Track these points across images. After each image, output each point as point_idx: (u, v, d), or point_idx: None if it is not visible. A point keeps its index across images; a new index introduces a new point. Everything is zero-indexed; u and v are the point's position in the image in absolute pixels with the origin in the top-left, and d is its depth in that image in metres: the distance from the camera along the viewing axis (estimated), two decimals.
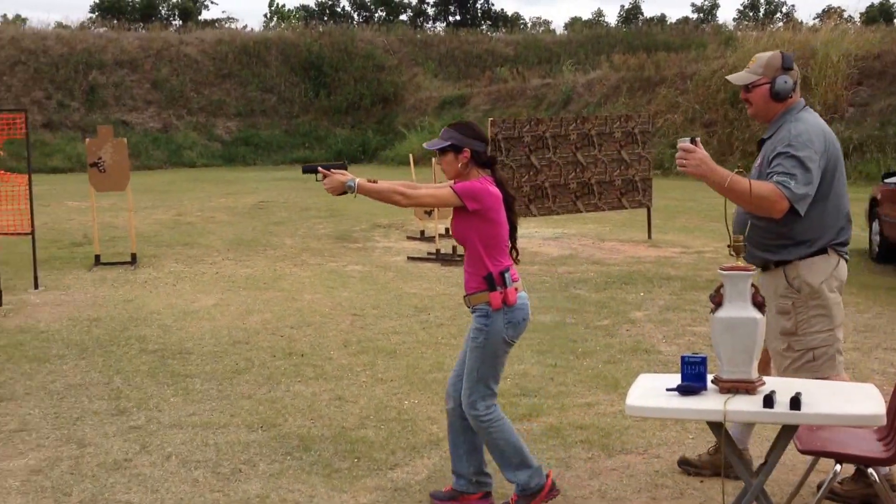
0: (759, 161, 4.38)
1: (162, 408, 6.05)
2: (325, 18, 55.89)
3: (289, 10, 57.38)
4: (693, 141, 4.02)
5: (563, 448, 5.22)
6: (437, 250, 12.64)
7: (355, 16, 58.64)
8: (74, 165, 30.77)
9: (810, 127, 4.21)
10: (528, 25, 63.12)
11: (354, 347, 7.61)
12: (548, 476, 4.35)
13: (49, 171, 29.75)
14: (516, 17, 64.33)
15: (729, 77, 4.58)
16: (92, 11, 54.53)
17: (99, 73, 36.74)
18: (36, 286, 10.31)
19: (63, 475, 4.91)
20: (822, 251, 4.24)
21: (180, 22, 53.66)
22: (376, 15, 58.71)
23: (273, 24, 53.50)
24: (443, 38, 47.06)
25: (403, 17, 58.54)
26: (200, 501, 4.56)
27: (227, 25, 52.34)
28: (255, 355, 7.37)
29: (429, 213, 13.47)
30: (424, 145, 4.61)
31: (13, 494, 4.66)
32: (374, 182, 4.25)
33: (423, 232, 14.62)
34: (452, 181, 4.32)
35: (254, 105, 38.57)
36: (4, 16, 51.38)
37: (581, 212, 13.35)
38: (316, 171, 4.36)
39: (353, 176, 4.21)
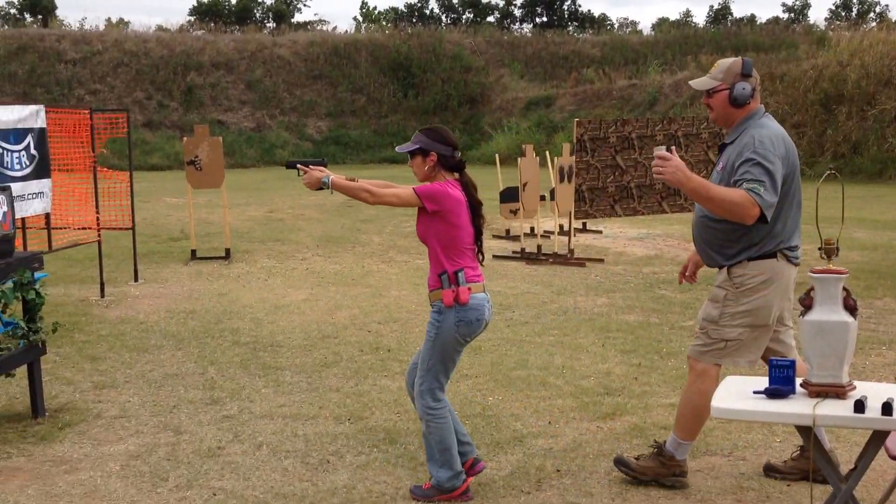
0: (720, 165, 4.46)
1: (253, 398, 6.22)
2: (414, 20, 56.22)
3: (378, 12, 57.95)
4: (669, 149, 4.11)
5: (646, 448, 5.21)
6: (522, 249, 12.67)
7: (443, 17, 58.87)
8: (172, 163, 31.65)
9: (773, 133, 4.29)
10: (615, 26, 62.51)
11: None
12: (465, 482, 4.55)
13: (148, 169, 30.69)
14: (603, 19, 63.74)
15: (691, 82, 4.63)
16: (191, 15, 55.89)
17: (196, 75, 37.70)
18: (136, 279, 10.68)
19: (160, 461, 5.09)
20: (772, 255, 4.35)
21: (274, 24, 54.60)
22: (464, 17, 58.84)
23: (363, 25, 54.10)
24: (529, 39, 46.95)
25: (491, 18, 58.53)
26: (290, 490, 4.68)
27: (318, 27, 53.09)
28: (343, 350, 7.51)
29: (514, 213, 13.51)
30: (397, 148, 4.79)
31: (113, 478, 4.85)
32: (352, 180, 4.50)
33: (508, 231, 14.66)
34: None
35: (344, 105, 39.08)
36: (109, 19, 53.02)
37: (666, 212, 13.20)
38: (297, 167, 4.67)
39: (329, 172, 4.51)
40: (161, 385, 6.53)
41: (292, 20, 57.32)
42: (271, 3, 58.85)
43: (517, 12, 60.28)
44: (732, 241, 4.35)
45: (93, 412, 5.94)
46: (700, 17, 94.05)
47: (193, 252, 12.38)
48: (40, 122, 8.40)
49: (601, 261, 12.22)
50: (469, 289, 4.39)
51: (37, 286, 5.70)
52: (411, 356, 7.23)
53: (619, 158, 12.18)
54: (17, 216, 7.53)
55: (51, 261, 9.93)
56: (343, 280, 10.81)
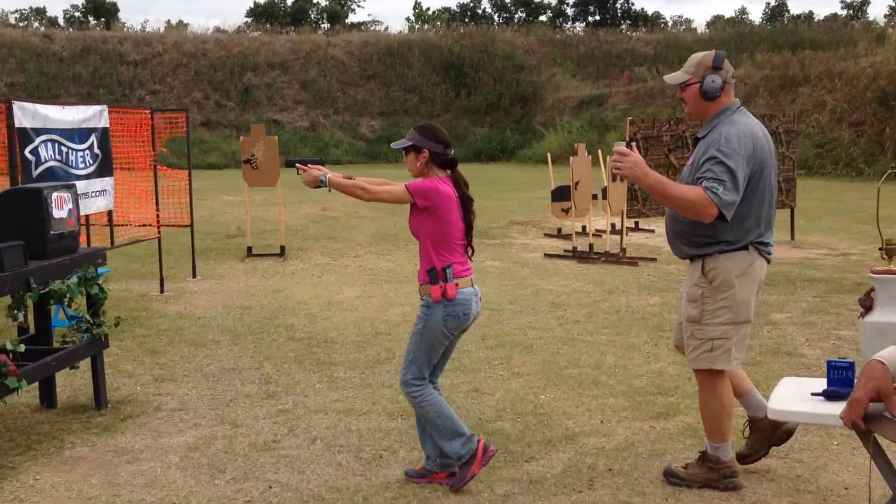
0: (691, 160, 4.47)
1: (308, 393, 6.31)
2: (467, 20, 56.27)
3: (431, 12, 58.06)
4: (629, 145, 4.17)
5: (700, 448, 5.19)
6: (574, 248, 12.65)
7: (496, 17, 58.83)
8: (229, 162, 32.09)
9: (741, 130, 4.27)
10: (669, 24, 61.92)
11: (492, 341, 7.74)
12: (479, 441, 4.63)
13: (206, 167, 31.14)
14: (657, 17, 63.22)
15: (665, 77, 4.62)
16: (247, 16, 56.59)
17: (253, 75, 38.17)
18: (194, 275, 10.87)
19: (217, 453, 5.19)
20: (743, 248, 4.34)
21: (328, 25, 55.03)
22: (516, 16, 58.73)
23: (416, 25, 54.26)
24: (582, 38, 46.76)
25: (543, 17, 58.39)
26: (343, 484, 4.74)
27: (372, 28, 53.39)
28: (396, 346, 7.58)
29: (566, 212, 13.49)
30: (392, 145, 4.92)
31: (173, 469, 4.96)
32: (350, 178, 4.66)
33: (559, 229, 14.65)
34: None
35: (396, 104, 39.28)
36: (168, 22, 53.83)
37: None
38: (296, 166, 4.85)
39: (327, 171, 4.69)
40: (218, 379, 6.65)
41: (346, 21, 57.71)
42: (326, 4, 59.30)
43: (569, 11, 60.09)
44: (701, 234, 4.34)
45: (153, 404, 6.08)
46: (756, 15, 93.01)
47: (249, 249, 12.56)
48: (103, 122, 8.59)
49: (654, 260, 12.16)
50: (456, 284, 4.50)
51: (100, 281, 5.84)
52: (463, 353, 7.29)
53: (672, 157, 12.11)
54: (82, 213, 7.72)
55: (113, 257, 10.14)
56: (396, 277, 10.90)
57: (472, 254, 4.69)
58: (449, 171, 4.62)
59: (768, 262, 4.46)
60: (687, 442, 5.30)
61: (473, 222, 4.65)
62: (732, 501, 4.49)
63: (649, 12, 62.61)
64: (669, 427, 5.57)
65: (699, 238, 4.37)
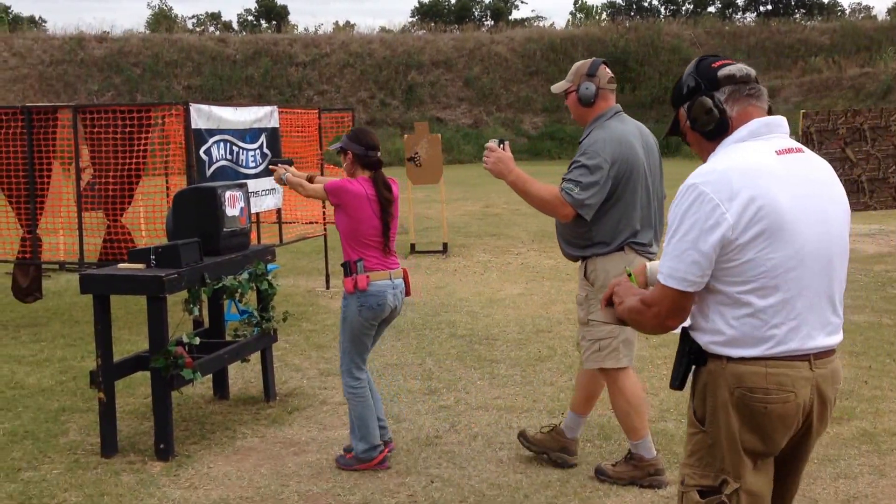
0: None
1: (469, 390, 6.35)
2: (632, 13, 55.35)
3: (594, 6, 57.43)
4: (501, 143, 4.41)
5: (877, 455, 4.94)
6: None
7: (662, 9, 57.56)
8: (393, 160, 32.56)
9: (609, 135, 4.43)
10: (847, 12, 59.06)
11: (655, 340, 7.57)
12: (382, 453, 4.95)
13: None
14: (833, 4, 60.35)
15: (552, 87, 4.81)
16: (412, 15, 57.47)
17: (417, 73, 38.78)
18: None
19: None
20: (619, 249, 4.48)
21: (492, 22, 55.26)
22: (684, 8, 57.33)
23: (579, 20, 53.80)
24: (753, 28, 45.19)
25: (712, 8, 56.71)
26: (504, 481, 4.75)
27: (535, 24, 53.27)
28: (558, 344, 7.53)
29: None
30: (329, 147, 5.41)
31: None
32: (311, 179, 5.19)
33: None
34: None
35: (559, 101, 38.65)
36: (336, 23, 55.34)
37: None
38: (269, 166, 5.54)
39: (289, 170, 5.19)
40: (381, 374, 6.78)
41: (510, 17, 57.79)
42: (490, 2, 59.58)
43: (740, 1, 58.17)
44: (577, 235, 4.50)
45: (319, 398, 6.26)
46: None
47: (412, 246, 12.76)
48: (273, 122, 8.90)
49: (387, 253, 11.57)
50: (367, 276, 4.82)
51: (269, 277, 6.05)
52: None
53: (848, 151, 11.55)
54: (252, 211, 8.02)
55: (281, 253, 10.49)
56: (558, 275, 10.83)
57: (389, 249, 4.94)
58: (371, 172, 4.94)
59: (649, 259, 4.47)
60: (862, 448, 5.05)
61: (392, 222, 4.93)
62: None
63: (825, 0, 59.97)
64: (843, 432, 5.31)
65: (576, 240, 4.55)
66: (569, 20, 58.63)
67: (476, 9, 58.79)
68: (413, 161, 12.57)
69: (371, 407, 4.99)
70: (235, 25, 55.75)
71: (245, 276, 5.76)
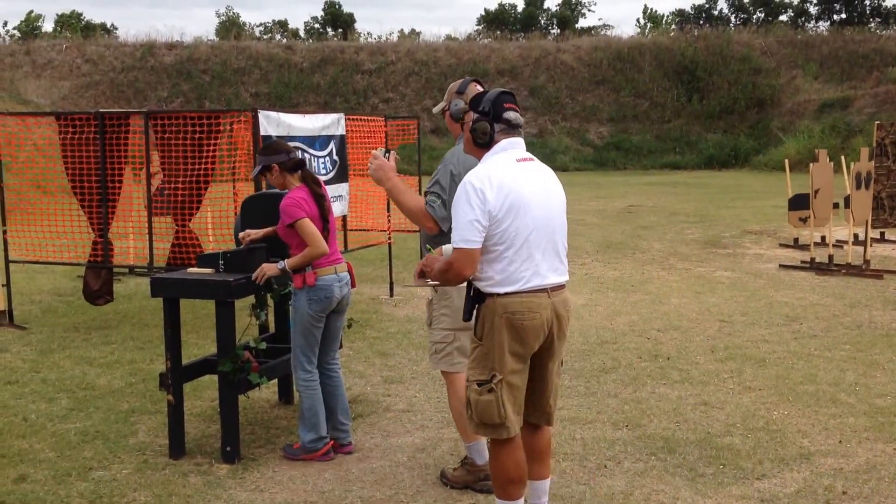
0: None
1: None
2: (701, 22, 54.75)
3: (663, 15, 56.99)
4: (387, 153, 4.58)
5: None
6: (812, 259, 12.03)
7: (732, 18, 56.86)
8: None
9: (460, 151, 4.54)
10: None
11: (721, 353, 7.49)
12: (327, 445, 5.20)
13: (426, 174, 31.88)
14: None
15: (433, 109, 5.03)
16: (478, 23, 57.59)
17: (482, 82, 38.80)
18: None
19: (444, 455, 5.30)
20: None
21: (558, 30, 55.12)
22: (755, 16, 56.54)
23: (647, 29, 53.39)
24: (826, 37, 44.30)
25: (783, 17, 55.87)
26: (567, 492, 4.73)
27: (602, 32, 53.01)
28: (622, 356, 7.48)
29: (803, 221, 12.86)
30: (251, 176, 5.64)
31: (401, 468, 5.11)
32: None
33: (796, 239, 13.98)
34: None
35: (626, 110, 38.76)
36: (402, 31, 55.72)
37: None
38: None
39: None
40: (443, 383, 6.75)
41: (576, 26, 57.60)
42: (556, 10, 59.45)
43: (812, 10, 57.20)
44: (428, 243, 4.60)
45: (382, 405, 6.29)
46: None
47: None
48: (341, 130, 8.98)
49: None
50: (315, 273, 5.05)
51: None
52: (691, 365, 7.11)
53: None
54: None
55: (347, 260, 10.55)
56: (622, 286, 10.76)
57: (331, 245, 5.16)
58: (299, 173, 5.17)
59: None
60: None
61: (329, 217, 5.16)
62: None
63: None
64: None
65: (432, 245, 4.64)
66: (636, 29, 58.21)
67: (542, 17, 58.71)
68: None
69: (321, 401, 5.20)
70: (302, 33, 56.44)
71: None
